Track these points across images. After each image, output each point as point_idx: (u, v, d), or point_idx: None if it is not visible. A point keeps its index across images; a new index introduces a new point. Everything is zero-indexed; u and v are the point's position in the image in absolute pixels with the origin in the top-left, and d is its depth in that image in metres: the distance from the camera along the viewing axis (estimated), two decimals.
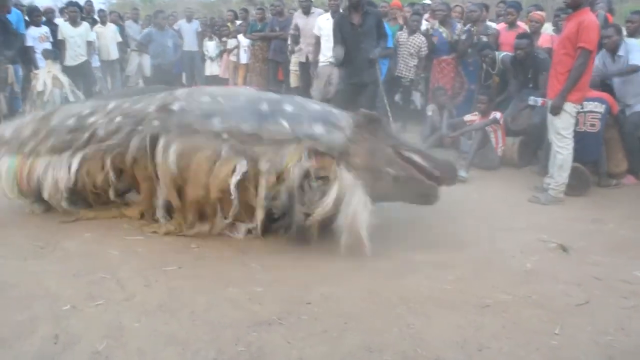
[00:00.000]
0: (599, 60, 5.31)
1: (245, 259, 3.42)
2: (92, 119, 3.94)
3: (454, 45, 6.94)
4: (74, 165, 3.87)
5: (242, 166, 3.49)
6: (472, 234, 3.92)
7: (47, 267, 3.30)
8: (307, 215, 3.43)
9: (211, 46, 9.64)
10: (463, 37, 6.81)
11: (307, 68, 7.85)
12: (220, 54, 9.59)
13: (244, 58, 9.29)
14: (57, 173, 3.90)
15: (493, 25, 7.15)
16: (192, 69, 9.87)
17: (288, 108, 3.66)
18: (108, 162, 3.83)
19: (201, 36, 9.84)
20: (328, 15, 7.30)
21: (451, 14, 7.52)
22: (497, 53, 6.18)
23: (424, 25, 7.55)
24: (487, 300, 2.96)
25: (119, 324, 2.67)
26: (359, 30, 5.89)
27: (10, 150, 4.05)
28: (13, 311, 2.78)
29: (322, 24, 7.25)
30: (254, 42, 9.05)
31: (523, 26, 6.83)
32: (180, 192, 3.67)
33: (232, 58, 9.43)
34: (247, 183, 3.53)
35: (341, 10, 6.62)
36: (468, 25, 6.93)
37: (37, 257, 3.45)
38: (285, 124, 3.55)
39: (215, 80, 9.44)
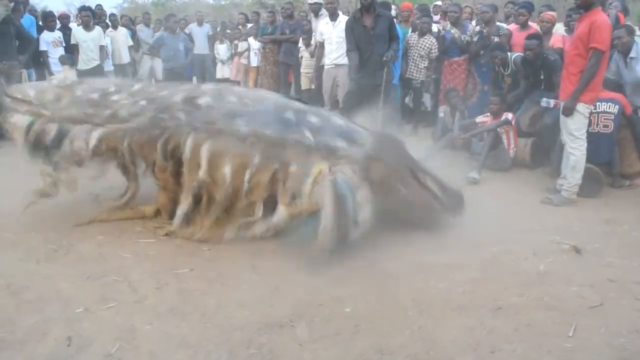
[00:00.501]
0: (613, 63, 5.26)
1: (255, 262, 3.43)
2: (115, 97, 3.90)
3: (466, 46, 6.90)
4: (92, 141, 3.82)
5: (277, 171, 3.54)
6: (483, 235, 3.89)
7: (60, 270, 3.33)
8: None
9: (222, 49, 9.69)
10: (475, 38, 6.78)
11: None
12: (231, 57, 9.63)
13: (254, 61, 9.34)
14: (74, 143, 3.86)
15: (504, 26, 7.10)
16: (203, 72, 9.93)
17: (313, 119, 3.72)
18: (125, 144, 3.79)
19: (212, 39, 9.90)
20: (327, 19, 7.34)
21: (462, 15, 7.50)
22: (509, 54, 6.14)
23: (435, 27, 7.53)
24: (500, 302, 2.94)
25: (131, 326, 2.68)
26: (371, 33, 5.93)
27: (31, 110, 4.00)
28: (26, 313, 2.81)
29: (323, 28, 7.33)
30: (265, 45, 9.08)
31: (535, 27, 6.78)
32: (203, 192, 3.68)
33: (243, 61, 9.48)
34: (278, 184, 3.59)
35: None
36: (480, 26, 6.89)
37: (51, 260, 3.48)
38: (308, 134, 3.60)
39: (226, 83, 9.48)
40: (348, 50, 6.19)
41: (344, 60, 6.66)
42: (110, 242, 3.73)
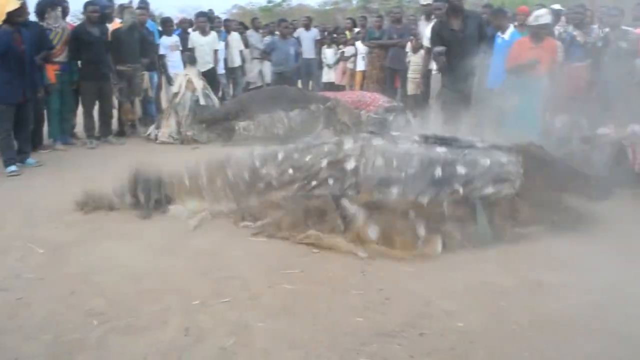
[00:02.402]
0: None
1: (365, 267, 3.40)
2: (264, 171, 4.12)
3: (590, 51, 6.48)
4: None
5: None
6: (606, 255, 3.62)
7: (177, 263, 3.49)
8: None
9: (329, 53, 9.80)
10: (599, 43, 6.35)
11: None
12: (337, 61, 9.72)
13: (361, 65, 9.35)
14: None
15: (632, 30, 6.60)
16: (309, 76, 10.10)
17: (461, 170, 3.79)
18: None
19: (319, 44, 10.04)
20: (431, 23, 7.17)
21: (587, 18, 7.05)
22: (637, 61, 5.69)
23: (556, 30, 7.14)
24: (625, 330, 2.71)
25: (244, 322, 2.75)
26: (461, 36, 5.68)
27: (191, 195, 4.30)
28: (147, 302, 2.97)
29: (429, 33, 7.14)
30: (372, 50, 9.07)
31: None
32: None
33: (349, 65, 9.53)
34: None
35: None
36: (606, 30, 6.45)
37: (168, 253, 3.66)
38: (460, 189, 3.73)
39: (331, 87, 9.59)
40: (434, 55, 5.95)
41: None
42: (223, 239, 3.86)
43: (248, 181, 4.14)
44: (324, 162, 3.94)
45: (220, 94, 9.07)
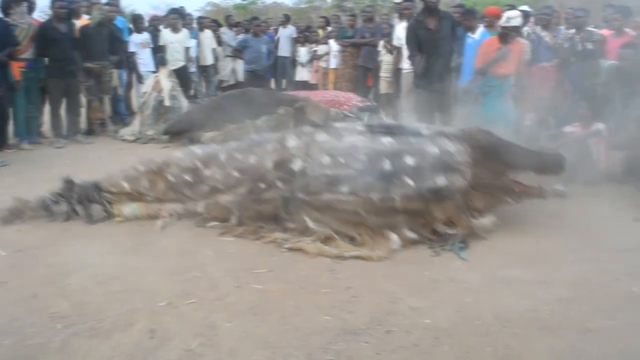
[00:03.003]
0: None
1: (334, 266, 3.41)
2: (208, 173, 4.03)
3: (557, 51, 6.59)
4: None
5: None
6: (571, 251, 3.70)
7: (145, 263, 3.45)
8: None
9: (303, 52, 9.78)
10: (566, 44, 6.46)
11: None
12: (310, 60, 9.71)
13: (333, 63, 9.36)
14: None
15: (597, 31, 6.73)
16: (284, 74, 10.07)
17: (409, 161, 3.72)
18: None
19: (293, 42, 10.01)
20: (404, 23, 7.22)
21: (554, 19, 7.18)
22: (602, 61, 5.81)
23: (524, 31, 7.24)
24: (589, 324, 2.77)
25: (211, 323, 2.74)
26: (437, 36, 5.73)
27: (131, 198, 4.20)
28: (113, 304, 2.93)
29: (401, 32, 7.19)
30: (344, 48, 9.09)
31: (631, 33, 6.39)
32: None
33: (322, 64, 9.52)
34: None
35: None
36: (572, 31, 6.57)
37: (136, 253, 3.62)
38: (409, 182, 3.65)
39: (305, 85, 9.57)
40: (411, 56, 6.00)
41: None
42: (192, 239, 3.83)
43: (191, 183, 4.05)
44: (270, 164, 3.88)
45: (192, 92, 8.98)
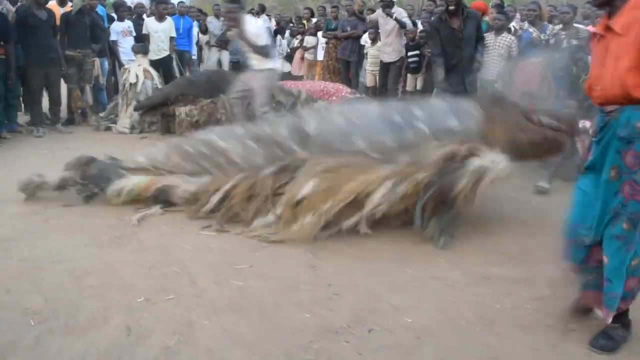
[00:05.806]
0: None
1: (316, 262, 3.37)
2: (223, 144, 4.06)
3: (543, 47, 6.59)
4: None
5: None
6: (553, 250, 3.68)
7: (123, 258, 3.37)
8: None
9: (284, 44, 9.68)
10: (552, 40, 6.47)
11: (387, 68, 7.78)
12: (290, 52, 9.61)
13: (320, 55, 9.29)
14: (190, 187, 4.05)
15: (583, 27, 6.74)
16: None
17: (418, 112, 3.77)
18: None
19: (275, 33, 9.89)
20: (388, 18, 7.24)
21: (542, 15, 7.16)
22: (588, 58, 5.81)
23: (511, 26, 7.24)
24: (571, 324, 2.75)
25: (189, 320, 2.67)
26: (460, 36, 5.56)
27: (145, 172, 4.22)
28: (88, 299, 2.86)
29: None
30: (329, 40, 9.03)
31: None
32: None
33: (309, 56, 9.43)
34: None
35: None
36: (558, 27, 6.57)
37: (114, 247, 3.54)
38: (423, 126, 3.68)
39: (288, 77, 9.46)
40: (433, 55, 5.82)
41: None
42: (172, 233, 3.76)
43: (206, 154, 4.09)
44: (285, 131, 3.94)
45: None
